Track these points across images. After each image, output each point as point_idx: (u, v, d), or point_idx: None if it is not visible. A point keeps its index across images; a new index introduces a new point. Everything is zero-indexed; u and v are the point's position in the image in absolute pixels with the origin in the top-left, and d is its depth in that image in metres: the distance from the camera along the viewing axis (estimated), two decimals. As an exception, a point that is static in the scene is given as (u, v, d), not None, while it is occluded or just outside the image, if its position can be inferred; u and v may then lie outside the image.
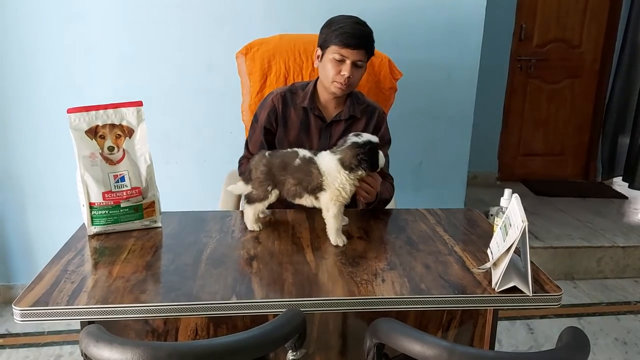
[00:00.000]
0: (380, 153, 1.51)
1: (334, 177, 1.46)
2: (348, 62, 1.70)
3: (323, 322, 1.52)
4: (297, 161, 1.51)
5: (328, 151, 1.52)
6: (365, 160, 1.46)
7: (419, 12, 2.51)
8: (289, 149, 1.58)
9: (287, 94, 1.84)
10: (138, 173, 1.54)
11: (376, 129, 1.86)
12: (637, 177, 3.89)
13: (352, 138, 1.48)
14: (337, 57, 1.70)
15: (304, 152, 1.53)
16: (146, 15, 2.40)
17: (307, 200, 1.54)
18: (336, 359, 1.57)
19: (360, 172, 1.48)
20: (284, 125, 1.84)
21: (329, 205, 1.48)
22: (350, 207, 1.74)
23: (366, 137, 1.49)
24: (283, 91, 1.85)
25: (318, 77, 1.83)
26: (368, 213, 1.77)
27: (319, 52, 1.77)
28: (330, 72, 1.72)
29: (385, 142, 1.89)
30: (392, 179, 1.91)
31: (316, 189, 1.49)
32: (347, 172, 1.46)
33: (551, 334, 2.53)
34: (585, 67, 4.15)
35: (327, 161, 1.48)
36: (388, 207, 1.92)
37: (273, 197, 1.54)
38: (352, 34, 1.68)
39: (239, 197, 1.90)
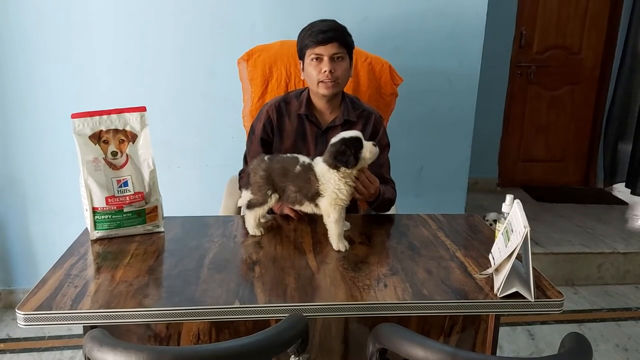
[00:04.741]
0: (369, 147, 1.49)
1: (327, 180, 1.47)
2: (325, 58, 1.72)
3: (325, 327, 1.52)
4: (298, 168, 1.51)
5: (319, 157, 1.52)
6: (342, 153, 1.44)
7: (420, 19, 2.53)
8: (288, 154, 1.58)
9: (281, 104, 1.86)
10: (141, 178, 1.54)
11: (373, 133, 1.87)
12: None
13: (331, 140, 1.49)
14: (314, 56, 1.73)
15: (303, 159, 1.53)
16: (149, 21, 2.41)
17: (307, 208, 1.54)
18: (338, 364, 1.57)
19: (342, 169, 1.46)
20: (279, 134, 1.85)
21: (329, 210, 1.48)
22: (351, 212, 1.75)
23: (340, 135, 1.49)
24: (277, 101, 1.87)
25: None
26: (370, 218, 1.78)
27: (300, 62, 1.80)
28: (313, 74, 1.74)
29: (384, 146, 1.89)
30: (394, 183, 1.91)
31: (315, 196, 1.50)
32: (335, 171, 1.46)
33: (552, 339, 2.53)
34: (585, 74, 4.17)
35: (320, 166, 1.49)
36: (389, 212, 1.93)
37: (273, 201, 1.55)
38: (320, 30, 1.71)
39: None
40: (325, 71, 1.72)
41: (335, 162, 1.46)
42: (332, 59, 1.72)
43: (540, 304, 1.25)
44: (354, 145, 1.47)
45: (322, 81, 1.74)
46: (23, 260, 2.65)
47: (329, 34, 1.71)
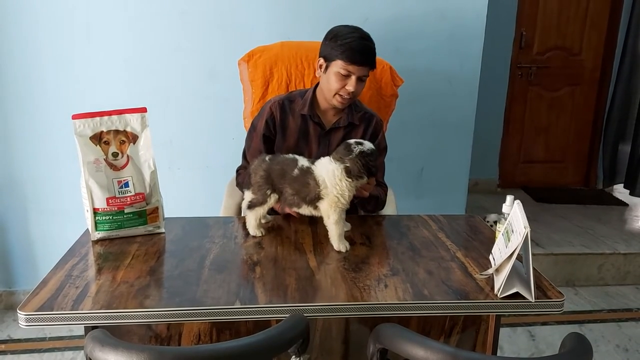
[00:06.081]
0: None
1: (333, 185, 1.47)
2: (354, 77, 1.70)
3: (326, 327, 1.52)
4: (296, 171, 1.51)
5: (328, 158, 1.52)
6: (374, 166, 1.49)
7: (420, 20, 2.53)
8: (289, 155, 1.58)
9: (285, 102, 1.85)
10: (142, 179, 1.55)
11: (373, 136, 1.87)
12: (638, 184, 3.91)
13: (357, 147, 1.48)
14: (343, 72, 1.70)
15: (302, 162, 1.53)
16: (150, 22, 2.42)
17: (305, 210, 1.55)
18: (338, 365, 1.57)
19: (363, 179, 1.49)
20: (282, 133, 1.84)
21: (329, 212, 1.48)
22: (351, 213, 1.75)
23: (368, 145, 1.50)
24: (281, 99, 1.85)
25: (317, 85, 1.83)
26: (370, 219, 1.78)
27: (322, 62, 1.76)
28: (335, 86, 1.72)
29: (382, 150, 1.90)
30: (387, 187, 1.92)
31: (314, 200, 1.50)
32: (350, 180, 1.47)
33: (552, 340, 2.53)
34: (585, 75, 4.17)
35: (328, 169, 1.49)
36: (390, 213, 1.93)
37: (272, 201, 1.55)
38: (359, 51, 1.68)
39: (241, 203, 1.90)
40: (349, 89, 1.71)
41: (367, 173, 1.48)
42: (359, 78, 1.72)
43: (540, 305, 1.25)
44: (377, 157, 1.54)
45: (340, 95, 1.73)
46: (23, 261, 2.65)
47: (367, 57, 1.70)
